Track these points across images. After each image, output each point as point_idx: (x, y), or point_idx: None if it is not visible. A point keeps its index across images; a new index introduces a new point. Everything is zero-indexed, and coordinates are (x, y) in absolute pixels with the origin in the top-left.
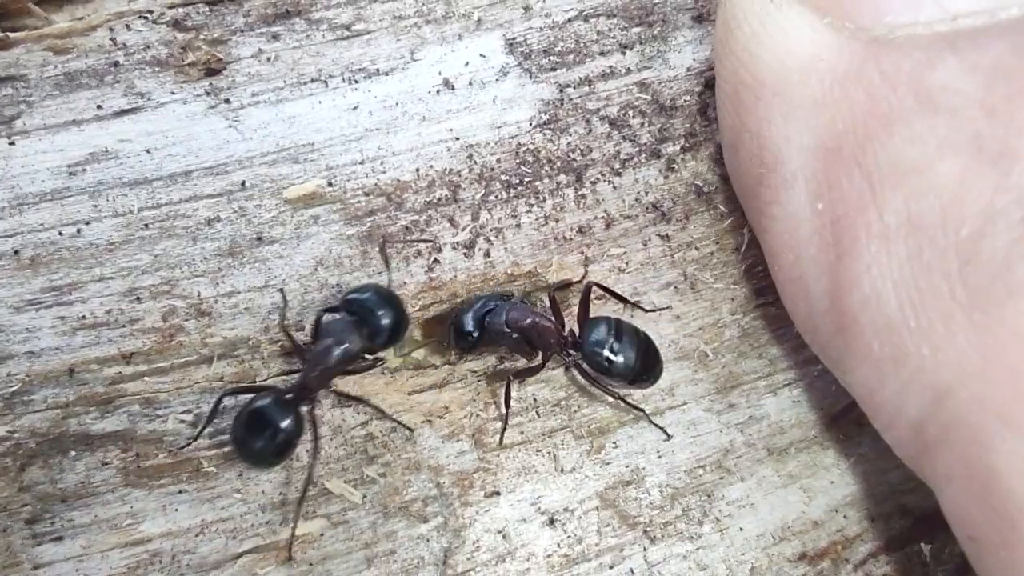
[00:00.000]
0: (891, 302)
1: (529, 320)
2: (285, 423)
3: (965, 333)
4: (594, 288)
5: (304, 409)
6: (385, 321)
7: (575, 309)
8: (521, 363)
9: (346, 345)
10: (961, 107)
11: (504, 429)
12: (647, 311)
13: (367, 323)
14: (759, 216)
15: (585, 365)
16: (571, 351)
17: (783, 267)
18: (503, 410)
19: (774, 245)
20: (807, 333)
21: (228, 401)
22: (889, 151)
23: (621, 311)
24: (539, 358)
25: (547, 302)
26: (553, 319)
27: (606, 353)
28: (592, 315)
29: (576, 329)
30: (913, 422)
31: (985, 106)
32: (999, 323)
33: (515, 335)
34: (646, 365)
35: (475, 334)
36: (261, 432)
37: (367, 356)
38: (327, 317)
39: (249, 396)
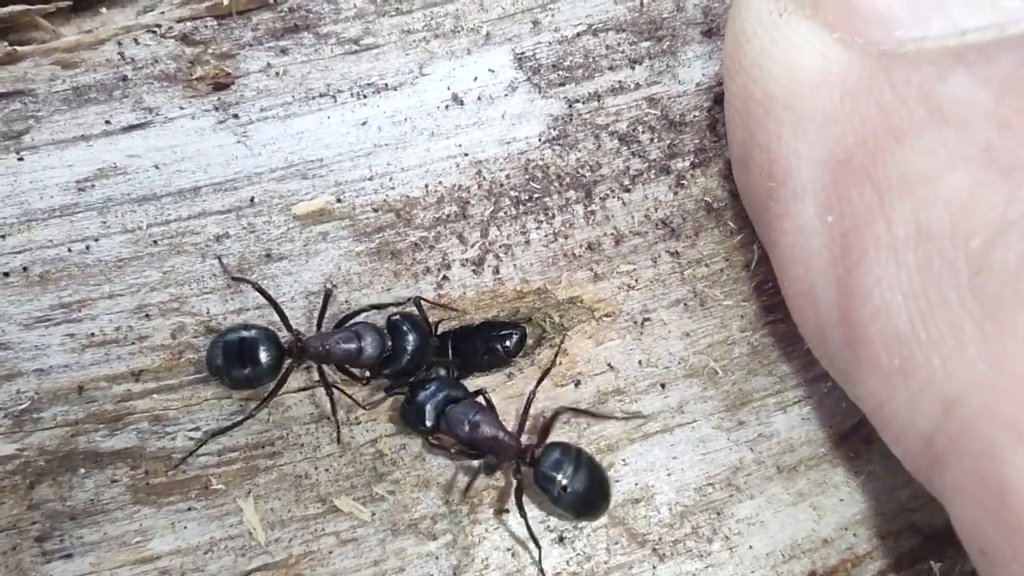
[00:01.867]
0: (900, 313)
1: (477, 430)
2: (265, 359)
3: (976, 344)
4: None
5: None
6: (405, 360)
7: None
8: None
9: (361, 346)
10: (972, 119)
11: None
12: (619, 419)
13: (392, 348)
14: (768, 230)
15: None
16: (521, 467)
17: (792, 280)
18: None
19: (783, 259)
20: (816, 346)
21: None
22: (899, 163)
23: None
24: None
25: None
26: (504, 431)
27: (561, 480)
28: (553, 439)
29: (534, 443)
30: (923, 434)
31: (996, 118)
32: (1010, 334)
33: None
34: (595, 502)
35: (430, 424)
36: (240, 360)
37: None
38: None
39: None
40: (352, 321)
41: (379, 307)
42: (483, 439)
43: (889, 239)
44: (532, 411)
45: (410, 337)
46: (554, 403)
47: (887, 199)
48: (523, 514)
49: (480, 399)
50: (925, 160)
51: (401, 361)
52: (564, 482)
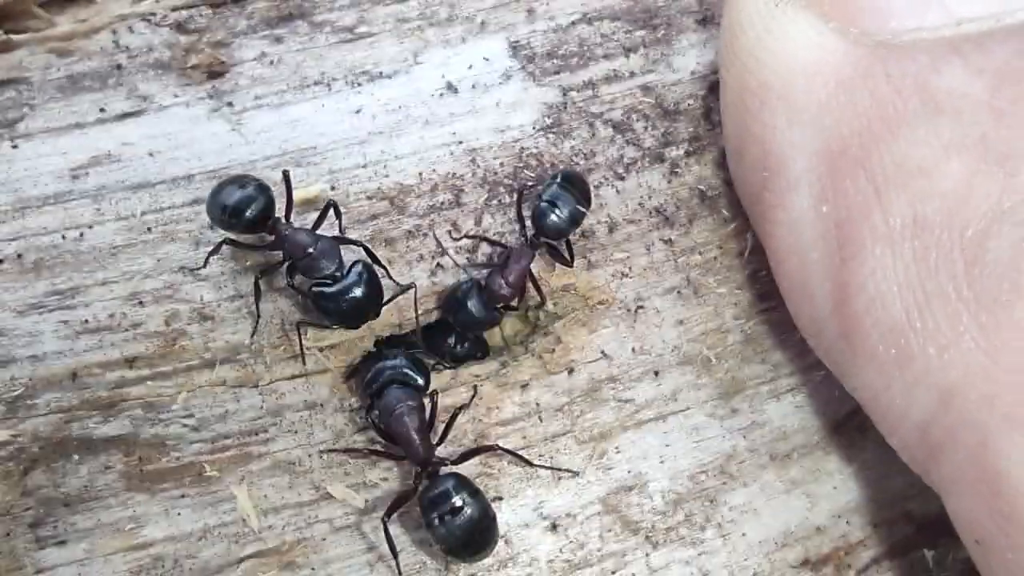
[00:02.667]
0: (896, 304)
1: (397, 423)
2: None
3: (972, 334)
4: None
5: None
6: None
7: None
8: None
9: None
10: (967, 109)
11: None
12: (545, 468)
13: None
14: (763, 221)
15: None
16: (420, 478)
17: (787, 271)
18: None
19: (778, 249)
20: (811, 337)
21: None
22: (894, 154)
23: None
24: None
25: None
26: (421, 435)
27: (439, 512)
28: (462, 471)
29: (445, 462)
30: (919, 424)
31: (991, 108)
32: (1006, 324)
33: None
34: (462, 550)
35: (372, 394)
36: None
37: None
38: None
39: None
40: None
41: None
42: (399, 434)
43: (885, 230)
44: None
45: (362, 281)
46: (550, 391)
47: (883, 190)
48: (385, 520)
49: (426, 399)
50: (920, 151)
51: (342, 298)
52: (440, 515)
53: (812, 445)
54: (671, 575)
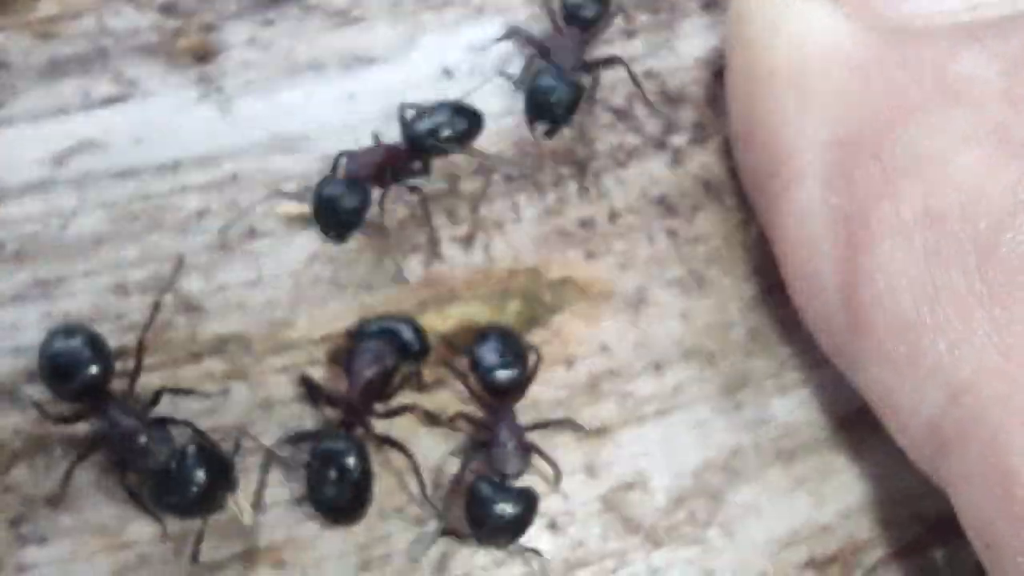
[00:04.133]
0: (907, 298)
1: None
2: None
3: (984, 329)
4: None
5: None
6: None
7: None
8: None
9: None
10: (984, 98)
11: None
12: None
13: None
14: (770, 211)
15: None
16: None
17: (794, 264)
18: None
19: (785, 242)
20: (818, 331)
21: None
22: (907, 143)
23: None
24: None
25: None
26: (355, 383)
27: (323, 472)
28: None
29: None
30: (928, 422)
31: (1008, 96)
32: (1020, 318)
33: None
34: (346, 505)
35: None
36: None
37: None
38: None
39: None
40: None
41: None
42: (350, 372)
43: (896, 221)
44: None
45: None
46: (548, 385)
47: (894, 180)
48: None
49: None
50: (935, 140)
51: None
52: (326, 476)
53: (819, 442)
54: (673, 574)
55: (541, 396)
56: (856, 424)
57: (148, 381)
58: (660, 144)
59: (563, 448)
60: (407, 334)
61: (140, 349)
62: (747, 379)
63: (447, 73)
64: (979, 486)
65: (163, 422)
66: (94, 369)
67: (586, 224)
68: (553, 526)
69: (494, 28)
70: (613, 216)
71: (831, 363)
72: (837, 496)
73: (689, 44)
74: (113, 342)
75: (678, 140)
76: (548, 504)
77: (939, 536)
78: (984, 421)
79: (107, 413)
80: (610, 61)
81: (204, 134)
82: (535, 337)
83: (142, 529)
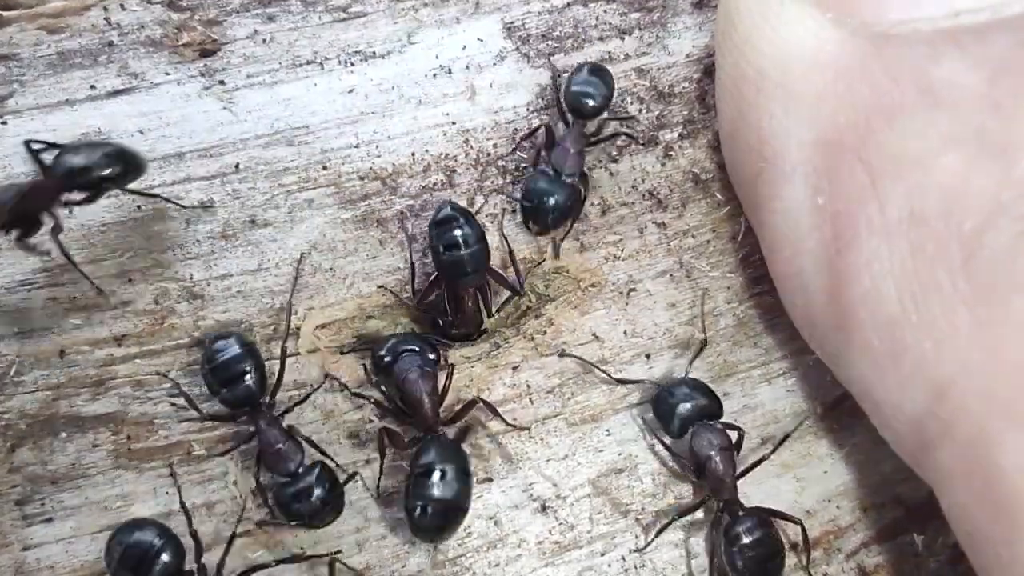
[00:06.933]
0: (892, 297)
1: (409, 385)
2: None
3: (968, 328)
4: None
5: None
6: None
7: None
8: None
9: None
10: (965, 101)
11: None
12: (514, 428)
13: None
14: (757, 210)
15: None
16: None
17: (781, 262)
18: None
19: (772, 239)
20: (804, 328)
21: None
22: (891, 145)
23: None
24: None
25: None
26: (430, 399)
27: (426, 478)
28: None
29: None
30: (913, 418)
31: (989, 100)
32: (1003, 318)
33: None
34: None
35: (387, 359)
36: None
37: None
38: None
39: None
40: None
41: None
42: (409, 396)
43: (881, 221)
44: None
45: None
46: (541, 373)
47: (879, 181)
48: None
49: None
50: (918, 142)
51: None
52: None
53: (803, 429)
54: (660, 557)
55: (534, 383)
56: (840, 411)
57: (149, 367)
58: (652, 139)
59: (555, 433)
60: (430, 349)
61: (283, 356)
62: (734, 368)
63: (445, 69)
64: (962, 480)
65: (291, 435)
66: (252, 381)
67: (579, 217)
68: (544, 509)
69: (492, 24)
70: (605, 209)
71: (815, 352)
72: (820, 481)
73: (680, 42)
74: (118, 328)
75: (669, 135)
76: (539, 488)
77: (920, 519)
78: (967, 417)
79: (256, 420)
80: (615, 136)
81: (207, 126)
82: (528, 326)
83: (145, 509)
